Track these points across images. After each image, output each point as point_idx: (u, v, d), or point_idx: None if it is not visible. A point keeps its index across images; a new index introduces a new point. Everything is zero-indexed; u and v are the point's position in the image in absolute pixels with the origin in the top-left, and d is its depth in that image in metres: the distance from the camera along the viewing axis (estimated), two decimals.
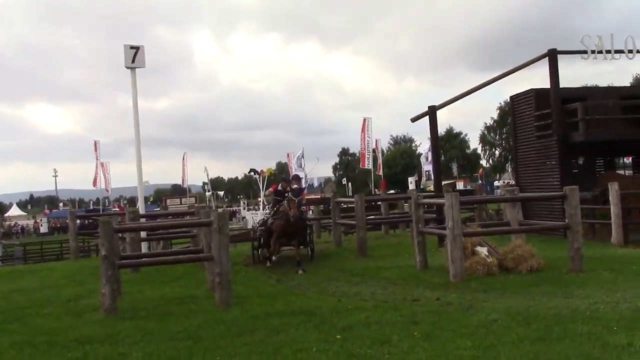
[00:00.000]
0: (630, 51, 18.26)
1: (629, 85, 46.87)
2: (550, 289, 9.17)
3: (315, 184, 79.95)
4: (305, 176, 44.84)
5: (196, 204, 39.33)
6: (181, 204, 57.23)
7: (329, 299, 9.18)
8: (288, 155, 50.54)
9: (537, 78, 43.28)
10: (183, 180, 57.72)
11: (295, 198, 12.65)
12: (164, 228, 14.84)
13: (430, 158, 36.00)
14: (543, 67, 18.03)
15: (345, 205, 20.38)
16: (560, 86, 18.18)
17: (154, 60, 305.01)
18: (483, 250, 11.10)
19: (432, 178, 25.28)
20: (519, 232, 12.72)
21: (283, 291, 10.43)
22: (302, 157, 44.65)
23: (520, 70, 18.44)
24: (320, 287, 10.52)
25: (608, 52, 18.16)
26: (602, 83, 62.88)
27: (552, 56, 17.80)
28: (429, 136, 19.32)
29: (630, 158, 21.47)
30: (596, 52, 18.03)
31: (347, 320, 7.56)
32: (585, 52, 18.04)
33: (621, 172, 21.15)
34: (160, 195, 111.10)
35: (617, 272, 10.35)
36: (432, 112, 17.57)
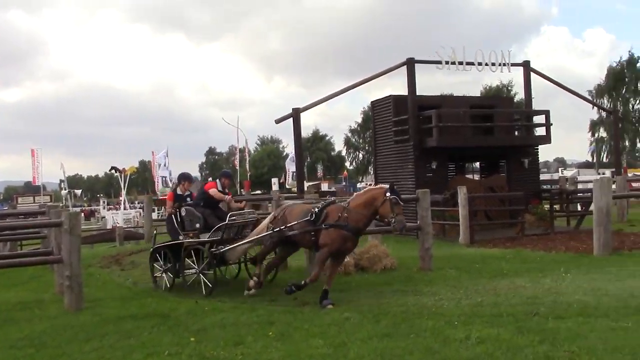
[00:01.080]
0: (480, 63, 19.62)
1: (479, 95, 50.09)
2: (401, 287, 9.61)
3: None
4: (170, 174, 43.84)
5: (50, 203, 37.16)
6: (34, 202, 53.80)
7: (186, 301, 9.03)
8: (153, 153, 49.12)
9: (402, 85, 45.21)
10: (34, 177, 54.23)
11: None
12: (11, 229, 13.86)
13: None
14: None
15: None
16: (419, 94, 19.16)
17: (4, 47, 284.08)
18: None
19: None
20: (374, 232, 13.19)
21: (139, 294, 10.14)
22: (167, 155, 43.59)
23: (388, 76, 19.33)
24: (178, 289, 10.33)
25: (460, 63, 19.40)
26: (458, 92, 66.84)
27: (410, 65, 18.70)
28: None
29: (478, 163, 23.00)
30: (450, 62, 19.19)
31: (202, 322, 7.50)
32: (440, 62, 19.15)
33: (470, 176, 22.57)
34: (11, 192, 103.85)
35: (462, 271, 11.05)
36: (296, 114, 17.85)
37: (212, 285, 9.62)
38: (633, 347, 5.78)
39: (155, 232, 11.57)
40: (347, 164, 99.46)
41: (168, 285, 10.31)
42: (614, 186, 20.17)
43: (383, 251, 11.54)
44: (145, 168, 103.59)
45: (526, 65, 20.89)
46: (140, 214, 44.17)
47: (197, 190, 11.06)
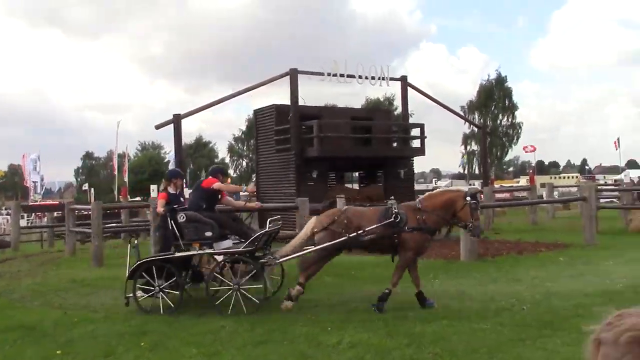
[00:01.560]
0: (360, 77, 20.25)
1: (360, 107, 51.51)
2: (278, 295, 9.70)
3: (56, 189, 74.45)
4: (42, 179, 41.62)
5: None
6: None
7: (54, 312, 8.65)
8: (23, 156, 46.40)
9: (288, 93, 45.55)
10: None
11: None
12: None
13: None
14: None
15: (86, 213, 19.39)
16: (301, 104, 19.48)
17: None
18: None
19: None
20: None
21: (2, 305, 9.57)
22: (39, 159, 41.38)
23: (274, 84, 19.53)
24: (46, 299, 9.86)
25: (342, 75, 19.94)
26: (343, 103, 68.38)
27: (293, 75, 18.98)
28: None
29: (358, 173, 23.68)
30: (331, 75, 19.68)
31: (70, 333, 7.22)
32: (322, 74, 19.59)
33: (350, 185, 23.19)
34: None
35: (339, 277, 11.34)
36: (177, 120, 17.57)
37: (261, 300, 8.45)
38: (490, 347, 6.22)
39: (136, 242, 9.39)
40: (231, 171, 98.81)
41: (172, 305, 8.43)
42: (481, 196, 21.47)
43: None
44: (15, 172, 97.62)
45: (403, 80, 21.81)
46: (7, 220, 41.50)
47: (194, 190, 9.56)
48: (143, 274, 8.56)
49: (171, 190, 9.23)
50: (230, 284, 8.42)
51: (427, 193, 9.33)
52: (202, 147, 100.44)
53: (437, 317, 7.64)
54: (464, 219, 8.44)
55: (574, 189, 27.57)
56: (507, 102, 65.60)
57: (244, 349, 6.34)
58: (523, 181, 33.50)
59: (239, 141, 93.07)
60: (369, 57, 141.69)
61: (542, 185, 31.73)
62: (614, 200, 25.45)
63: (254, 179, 22.09)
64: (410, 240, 8.42)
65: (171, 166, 40.08)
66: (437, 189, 9.62)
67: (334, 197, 16.92)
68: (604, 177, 70.27)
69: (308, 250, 8.67)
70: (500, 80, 65.41)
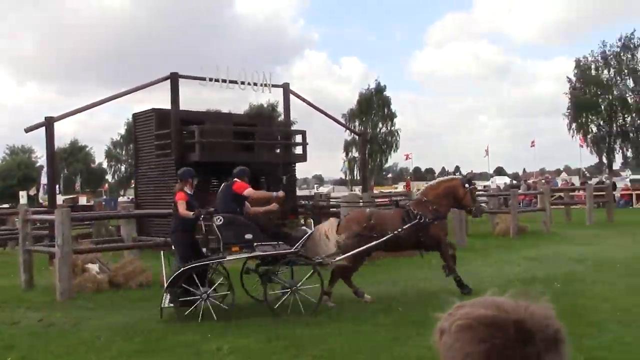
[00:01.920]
0: (242, 83, 20.21)
1: (243, 113, 51.36)
2: (157, 303, 9.47)
3: None
4: None
5: None
6: None
7: None
8: None
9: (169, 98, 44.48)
10: None
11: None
12: None
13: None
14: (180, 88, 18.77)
15: None
16: (186, 108, 19.14)
17: None
18: (94, 267, 10.96)
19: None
20: (131, 248, 12.87)
21: None
22: None
23: (154, 88, 19.01)
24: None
25: (224, 81, 19.80)
26: (226, 109, 67.76)
27: (174, 79, 18.61)
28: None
29: None
30: (213, 80, 19.50)
31: None
32: (204, 79, 19.36)
33: None
34: None
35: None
36: (49, 123, 16.72)
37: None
38: (368, 347, 6.43)
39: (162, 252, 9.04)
40: (109, 177, 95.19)
41: (227, 307, 8.20)
42: (361, 202, 22.09)
43: (139, 267, 11.30)
44: None
45: (286, 87, 21.99)
46: None
47: (222, 191, 9.11)
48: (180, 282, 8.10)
49: (188, 190, 8.77)
50: (287, 285, 8.43)
51: (426, 185, 10.42)
52: (77, 151, 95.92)
53: (316, 320, 7.79)
54: (467, 204, 9.77)
55: None
56: (385, 110, 67.85)
57: (119, 359, 6.16)
58: (401, 187, 34.83)
59: (118, 146, 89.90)
60: (252, 63, 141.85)
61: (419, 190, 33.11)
62: (483, 205, 26.96)
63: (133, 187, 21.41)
64: (438, 229, 9.41)
65: (44, 171, 37.96)
66: (434, 180, 10.66)
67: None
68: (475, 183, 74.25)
69: (354, 252, 8.80)
70: (380, 90, 67.59)
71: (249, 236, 8.30)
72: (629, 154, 52.62)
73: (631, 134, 51.25)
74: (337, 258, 8.67)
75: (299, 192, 29.80)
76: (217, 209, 8.70)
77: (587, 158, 54.14)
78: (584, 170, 57.64)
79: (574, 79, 52.47)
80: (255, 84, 20.43)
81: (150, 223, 18.54)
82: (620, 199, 32.95)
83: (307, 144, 21.15)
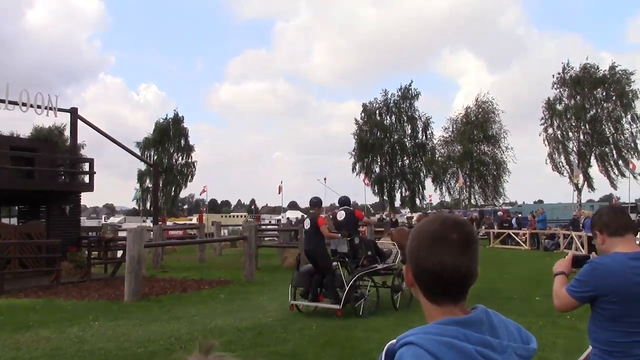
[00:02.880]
0: (24, 104, 18.78)
1: (25, 137, 47.70)
2: None
3: None
4: None
5: None
6: None
7: None
8: None
9: None
10: None
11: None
12: None
13: None
14: None
15: None
16: None
17: None
18: None
19: None
20: None
21: None
22: None
23: None
24: None
25: (2, 101, 18.24)
26: (6, 129, 62.14)
27: None
28: None
29: (17, 207, 21.73)
30: None
31: None
32: None
33: (7, 221, 21.14)
34: None
35: None
36: None
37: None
38: None
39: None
40: None
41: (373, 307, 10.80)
42: (151, 234, 21.46)
43: None
44: None
45: (74, 111, 20.83)
46: None
47: (348, 216, 11.32)
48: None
49: (324, 215, 10.95)
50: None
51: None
52: None
53: None
54: None
55: (242, 228, 29.28)
56: (182, 141, 67.07)
57: None
58: (195, 219, 34.47)
59: None
60: (41, 81, 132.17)
61: (213, 223, 33.08)
62: (275, 238, 27.68)
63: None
64: None
65: None
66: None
67: None
68: (270, 217, 76.11)
69: None
70: (177, 120, 66.74)
71: (370, 252, 11.11)
72: (406, 193, 57.34)
73: (409, 175, 56.14)
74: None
75: (86, 223, 28.17)
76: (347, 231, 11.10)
77: (371, 195, 57.90)
78: (369, 206, 61.66)
79: (361, 121, 56.25)
80: (39, 107, 19.12)
81: None
82: None
83: (95, 172, 20.19)
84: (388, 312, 10.77)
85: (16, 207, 22.02)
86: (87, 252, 17.85)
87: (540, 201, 63.11)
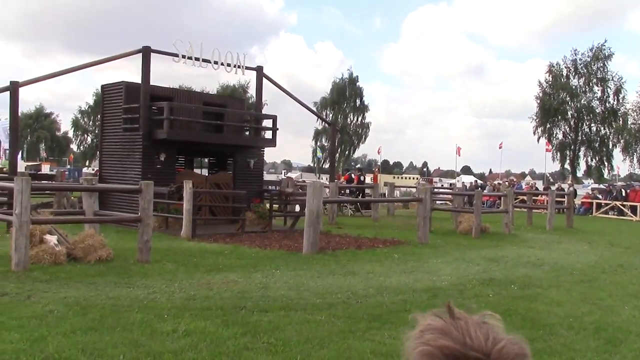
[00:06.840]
0: (216, 62, 19.98)
1: (214, 93, 50.97)
2: (115, 279, 9.37)
3: None
4: None
5: None
6: None
7: None
8: None
9: (138, 70, 43.85)
10: None
11: None
12: None
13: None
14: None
15: None
16: (155, 82, 18.87)
17: None
18: (52, 239, 10.75)
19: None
20: (92, 221, 12.69)
21: None
22: None
23: (124, 59, 18.68)
24: None
25: (197, 59, 19.56)
26: (196, 85, 67.06)
27: (146, 53, 18.32)
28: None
29: (207, 159, 23.41)
30: (186, 57, 19.24)
31: None
32: (177, 55, 19.09)
33: (199, 171, 22.89)
34: None
35: (179, 264, 11.15)
36: (14, 88, 16.33)
37: None
38: (322, 337, 6.45)
39: None
40: (74, 146, 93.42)
41: None
42: (327, 191, 22.11)
43: (99, 241, 11.13)
44: None
45: (259, 70, 21.84)
46: None
47: None
48: None
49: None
50: None
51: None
52: (42, 118, 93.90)
53: (274, 307, 7.77)
54: None
55: (414, 190, 29.20)
56: (358, 101, 67.95)
57: (72, 335, 6.06)
58: (368, 179, 35.11)
59: (85, 115, 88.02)
60: (227, 40, 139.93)
61: (386, 184, 33.35)
62: (448, 202, 27.27)
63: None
64: None
65: (5, 134, 36.74)
66: None
67: (182, 182, 16.62)
68: (440, 180, 75.16)
69: None
70: (352, 80, 67.60)
71: None
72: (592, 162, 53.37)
73: (595, 143, 52.11)
74: None
75: (266, 177, 29.70)
76: None
77: (551, 164, 54.57)
78: (548, 175, 58.53)
79: (544, 83, 52.87)
80: (228, 65, 20.25)
81: (114, 197, 18.32)
82: (581, 207, 33.61)
83: (277, 129, 21.06)
84: (571, 286, 10.19)
85: (206, 159, 23.77)
86: (268, 205, 18.85)
87: None
